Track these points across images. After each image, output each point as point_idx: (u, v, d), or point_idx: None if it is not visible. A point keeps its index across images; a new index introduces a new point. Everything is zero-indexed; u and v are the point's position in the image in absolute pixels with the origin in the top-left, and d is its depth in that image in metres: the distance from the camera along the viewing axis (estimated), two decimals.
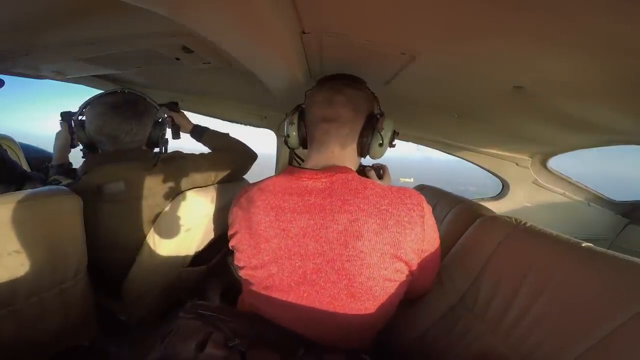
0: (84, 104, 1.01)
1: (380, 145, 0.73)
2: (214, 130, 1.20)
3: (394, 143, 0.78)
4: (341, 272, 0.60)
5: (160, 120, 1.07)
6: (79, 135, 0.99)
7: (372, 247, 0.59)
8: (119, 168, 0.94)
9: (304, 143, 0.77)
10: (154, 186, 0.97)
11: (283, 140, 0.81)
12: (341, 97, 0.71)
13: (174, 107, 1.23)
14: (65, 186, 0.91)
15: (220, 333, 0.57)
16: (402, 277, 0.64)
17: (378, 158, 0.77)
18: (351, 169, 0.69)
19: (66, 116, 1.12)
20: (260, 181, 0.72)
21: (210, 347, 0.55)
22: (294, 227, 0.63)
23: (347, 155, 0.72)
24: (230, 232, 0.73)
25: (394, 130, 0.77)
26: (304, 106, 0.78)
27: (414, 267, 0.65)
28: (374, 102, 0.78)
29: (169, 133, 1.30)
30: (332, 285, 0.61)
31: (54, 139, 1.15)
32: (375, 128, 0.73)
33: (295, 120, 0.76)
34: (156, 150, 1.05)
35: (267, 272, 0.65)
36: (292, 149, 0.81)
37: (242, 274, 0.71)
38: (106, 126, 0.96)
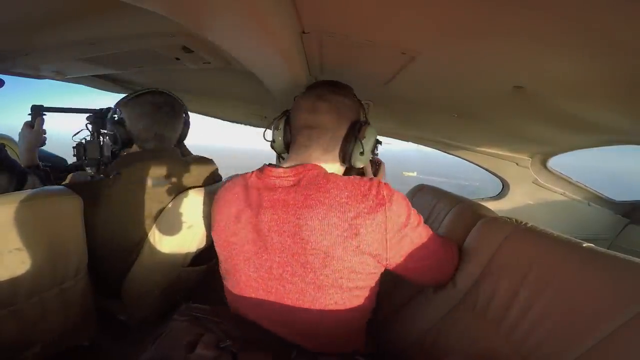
0: (120, 102, 1.03)
1: (361, 154, 0.72)
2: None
3: (376, 152, 0.79)
4: (306, 265, 0.61)
5: (187, 120, 1.13)
6: (119, 132, 0.99)
7: (334, 241, 0.59)
8: (159, 163, 0.98)
9: (288, 148, 0.77)
10: (183, 182, 1.01)
11: (270, 145, 0.81)
12: (325, 105, 0.71)
13: None
14: (96, 178, 0.92)
15: (212, 334, 0.57)
16: (370, 269, 0.63)
17: (360, 166, 0.76)
18: (320, 167, 0.68)
19: (38, 110, 1.09)
20: (239, 175, 0.73)
21: (200, 348, 0.55)
22: (259, 221, 0.64)
23: (328, 159, 0.72)
24: (212, 224, 0.75)
25: (377, 140, 0.77)
26: (290, 111, 0.78)
27: (384, 257, 0.62)
28: (360, 110, 0.77)
29: None
30: (300, 280, 0.62)
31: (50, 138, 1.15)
32: (357, 136, 0.72)
33: (281, 126, 0.76)
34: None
35: (235, 266, 0.68)
36: (278, 154, 0.82)
37: (220, 268, 0.74)
38: (155, 125, 1.00)
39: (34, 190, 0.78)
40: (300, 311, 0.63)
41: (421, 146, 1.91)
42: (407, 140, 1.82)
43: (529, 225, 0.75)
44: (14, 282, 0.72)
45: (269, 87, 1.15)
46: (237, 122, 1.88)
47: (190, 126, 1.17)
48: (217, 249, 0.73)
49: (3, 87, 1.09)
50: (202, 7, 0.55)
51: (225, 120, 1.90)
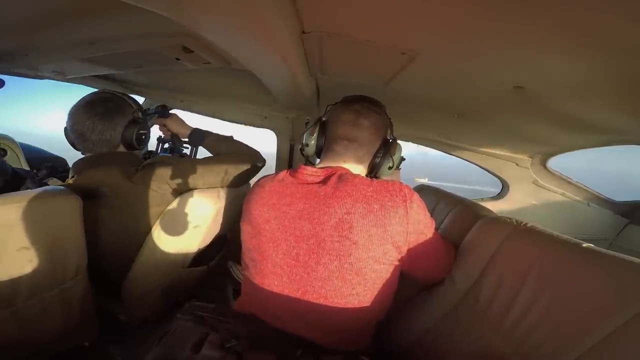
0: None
1: (390, 168, 0.80)
2: (216, 134, 1.13)
3: (400, 167, 0.87)
4: (332, 252, 0.65)
5: (137, 119, 1.00)
6: (65, 134, 0.98)
7: (360, 229, 0.64)
8: (97, 173, 0.92)
9: (319, 153, 0.83)
10: (136, 193, 0.94)
11: (299, 148, 0.87)
12: (366, 122, 0.78)
13: (163, 112, 1.15)
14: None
15: (217, 334, 0.58)
16: (391, 260, 0.67)
17: (384, 178, 0.81)
18: (348, 169, 0.74)
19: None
20: (275, 173, 0.79)
21: (206, 348, 0.56)
22: (291, 210, 0.69)
23: (358, 169, 0.78)
24: (242, 216, 0.79)
25: (402, 157, 0.85)
26: (324, 119, 0.83)
27: (403, 251, 0.67)
28: (389, 127, 0.83)
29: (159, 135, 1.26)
30: (324, 268, 0.65)
31: (52, 138, 1.15)
32: (389, 152, 0.79)
33: (316, 132, 0.82)
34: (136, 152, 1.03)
35: (263, 253, 0.71)
36: (306, 156, 0.87)
37: (243, 258, 0.77)
38: (76, 124, 0.95)
39: (34, 190, 0.78)
40: (320, 299, 0.65)
41: (421, 147, 1.91)
42: (407, 141, 1.82)
43: (529, 225, 0.75)
44: (14, 282, 0.72)
45: (269, 87, 1.15)
46: (237, 122, 1.88)
47: (144, 129, 1.03)
48: (245, 239, 0.76)
49: (3, 87, 1.09)
50: (202, 7, 0.55)
51: (226, 120, 1.90)
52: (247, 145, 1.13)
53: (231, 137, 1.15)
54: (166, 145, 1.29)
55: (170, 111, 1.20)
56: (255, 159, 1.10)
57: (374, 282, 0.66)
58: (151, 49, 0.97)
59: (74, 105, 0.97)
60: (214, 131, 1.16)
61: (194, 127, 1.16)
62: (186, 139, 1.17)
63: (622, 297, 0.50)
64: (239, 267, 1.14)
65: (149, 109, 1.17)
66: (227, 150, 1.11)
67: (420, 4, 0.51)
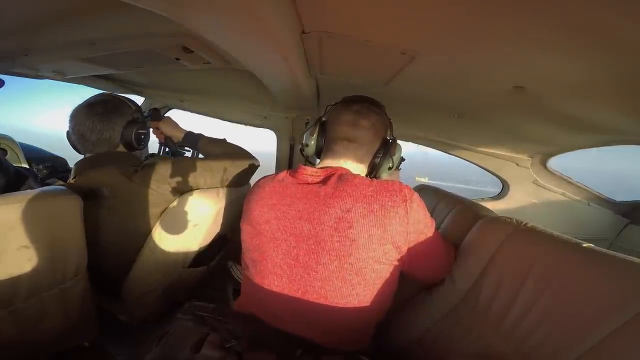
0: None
1: (390, 168, 0.81)
2: (209, 137, 1.15)
3: (400, 168, 0.87)
4: (332, 252, 0.64)
5: (136, 120, 1.02)
6: (67, 137, 1.01)
7: (360, 229, 0.64)
8: (97, 173, 0.93)
9: (319, 153, 0.83)
10: (136, 192, 0.94)
11: (299, 148, 0.87)
12: (366, 122, 0.78)
13: (156, 115, 1.16)
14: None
15: (217, 334, 0.58)
16: (392, 260, 0.67)
17: (384, 178, 0.82)
18: (348, 170, 0.74)
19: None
20: (275, 173, 0.79)
21: (206, 348, 0.56)
22: (291, 210, 0.69)
23: (357, 168, 0.78)
24: (242, 216, 0.79)
25: (402, 157, 0.85)
26: (324, 119, 0.83)
27: (403, 250, 0.67)
28: (389, 128, 0.83)
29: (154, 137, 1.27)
30: (324, 268, 0.65)
31: (51, 137, 1.16)
32: (388, 152, 0.79)
33: (316, 133, 0.82)
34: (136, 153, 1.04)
35: (263, 253, 0.71)
36: (306, 157, 0.87)
37: (243, 258, 0.77)
38: (77, 125, 0.97)
39: (34, 190, 0.78)
40: (320, 299, 0.65)
41: (421, 146, 1.91)
42: (407, 141, 1.82)
43: (529, 225, 0.75)
44: (13, 282, 0.72)
45: (269, 87, 1.15)
46: (237, 122, 1.88)
47: (144, 129, 1.05)
48: (245, 239, 0.76)
49: (3, 87, 1.09)
50: (202, 7, 0.55)
51: (226, 120, 1.90)
52: (240, 147, 1.15)
53: (224, 139, 1.17)
54: (168, 149, 1.30)
55: (165, 114, 1.21)
56: (248, 162, 1.12)
57: (374, 282, 0.66)
58: (151, 49, 0.97)
59: (75, 108, 0.99)
60: (213, 132, 1.18)
61: (188, 130, 1.17)
62: (179, 142, 1.19)
63: (622, 297, 0.50)
64: (239, 267, 1.14)
65: (143, 112, 1.17)
66: (221, 152, 1.12)
67: (420, 4, 0.51)
